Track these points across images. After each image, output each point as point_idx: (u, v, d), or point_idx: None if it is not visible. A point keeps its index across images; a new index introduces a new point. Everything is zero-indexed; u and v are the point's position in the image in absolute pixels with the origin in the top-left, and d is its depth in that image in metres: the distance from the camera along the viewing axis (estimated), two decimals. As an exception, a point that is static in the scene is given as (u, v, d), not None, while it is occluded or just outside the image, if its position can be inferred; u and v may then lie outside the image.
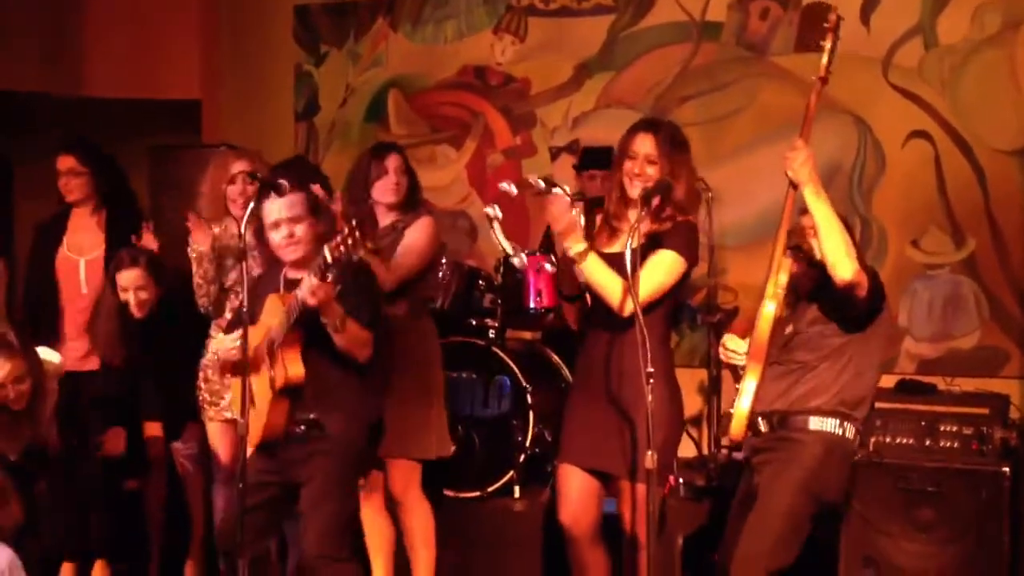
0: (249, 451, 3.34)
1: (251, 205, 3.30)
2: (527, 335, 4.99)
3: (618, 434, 3.30)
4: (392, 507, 3.91)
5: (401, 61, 5.94)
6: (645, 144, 3.31)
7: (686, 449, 4.79)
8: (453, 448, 3.95)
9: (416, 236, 3.87)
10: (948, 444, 4.09)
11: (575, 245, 3.17)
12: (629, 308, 3.11)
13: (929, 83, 4.89)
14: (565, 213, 3.19)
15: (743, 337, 3.39)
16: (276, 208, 3.36)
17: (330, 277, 3.12)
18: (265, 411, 3.34)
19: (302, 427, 3.35)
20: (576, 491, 3.40)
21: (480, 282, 4.56)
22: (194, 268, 4.07)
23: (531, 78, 5.67)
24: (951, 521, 3.99)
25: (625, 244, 3.01)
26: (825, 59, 3.18)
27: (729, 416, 3.22)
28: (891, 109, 4.94)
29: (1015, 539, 3.91)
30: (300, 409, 3.35)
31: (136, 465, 4.43)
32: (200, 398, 4.11)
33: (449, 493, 4.29)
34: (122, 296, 4.10)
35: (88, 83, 6.20)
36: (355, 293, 3.33)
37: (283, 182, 3.32)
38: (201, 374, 4.10)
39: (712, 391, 4.87)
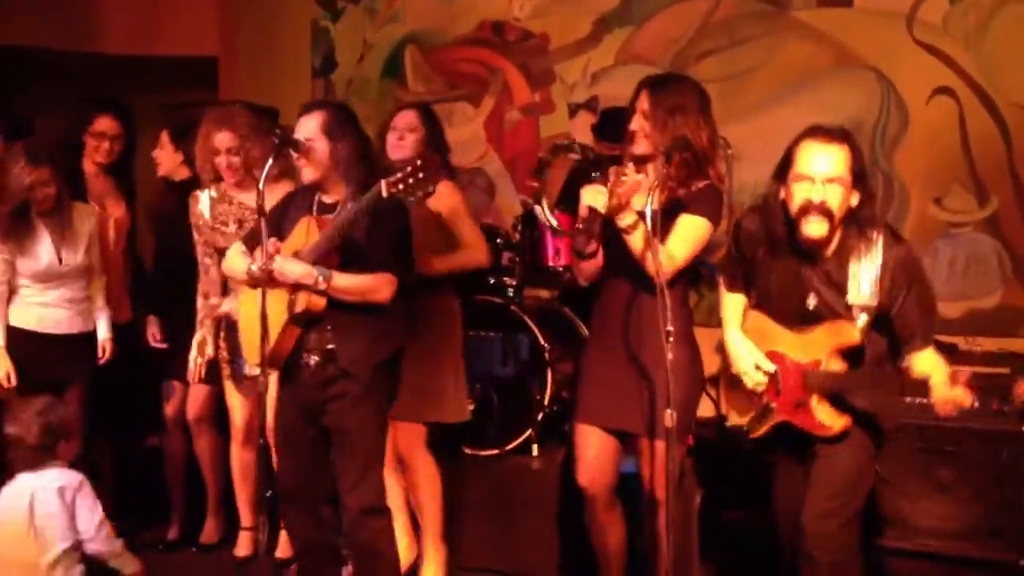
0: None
1: (268, 163, 3.27)
2: (545, 293, 4.96)
3: (637, 393, 3.30)
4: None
5: (418, 16, 5.91)
6: (643, 100, 3.31)
7: (705, 409, 4.83)
8: (470, 414, 3.94)
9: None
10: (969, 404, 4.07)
11: (624, 219, 3.16)
12: (665, 277, 3.03)
13: (954, 38, 4.82)
14: (601, 200, 3.14)
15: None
16: (304, 128, 3.32)
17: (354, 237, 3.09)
18: (275, 334, 3.27)
19: (316, 358, 3.31)
20: (594, 451, 3.40)
21: (498, 240, 4.53)
22: (195, 236, 4.11)
23: (549, 33, 5.63)
24: (971, 481, 3.98)
25: (644, 204, 2.99)
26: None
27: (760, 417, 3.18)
28: (915, 65, 4.87)
29: None
30: (317, 339, 3.31)
31: (155, 423, 4.50)
32: (218, 356, 4.11)
33: (468, 451, 4.30)
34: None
35: (102, 39, 6.18)
36: (384, 235, 3.27)
37: (300, 139, 3.30)
38: (221, 332, 4.10)
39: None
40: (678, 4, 5.33)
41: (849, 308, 3.02)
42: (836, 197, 2.95)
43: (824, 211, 2.95)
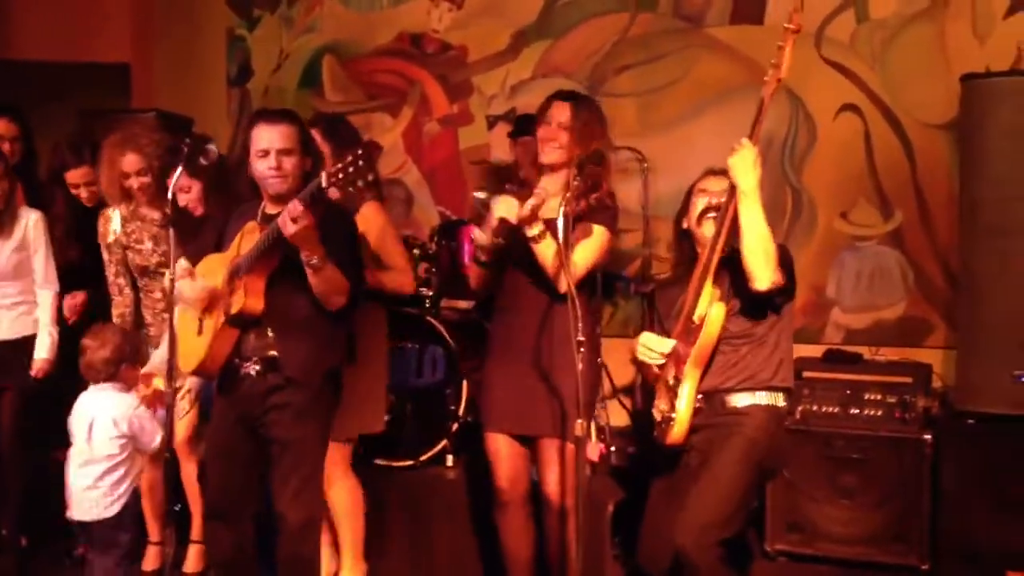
0: (189, 380, 3.35)
1: (177, 172, 3.24)
2: (463, 304, 4.98)
3: (541, 397, 3.36)
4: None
5: (336, 27, 5.88)
6: (561, 112, 3.39)
7: (618, 418, 4.87)
8: (384, 425, 3.92)
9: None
10: (872, 412, 4.17)
11: (532, 229, 3.26)
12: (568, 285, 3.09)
13: (860, 57, 4.91)
14: (514, 211, 3.28)
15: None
16: (267, 137, 3.22)
17: (314, 210, 3.01)
18: (209, 338, 3.22)
19: (256, 367, 3.23)
20: (507, 457, 3.47)
21: (415, 251, 4.52)
22: (105, 256, 4.06)
23: (468, 46, 5.64)
24: (875, 487, 4.09)
25: (556, 211, 3.03)
26: (785, 61, 3.10)
27: (668, 421, 3.22)
28: (823, 82, 4.94)
29: (935, 505, 3.99)
30: (256, 345, 3.24)
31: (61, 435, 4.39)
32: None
33: (381, 462, 4.27)
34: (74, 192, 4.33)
35: (14, 45, 6.04)
36: (337, 241, 3.20)
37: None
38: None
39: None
40: (596, 18, 5.35)
41: None
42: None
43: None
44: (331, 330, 3.25)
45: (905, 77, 4.84)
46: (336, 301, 3.18)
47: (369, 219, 3.71)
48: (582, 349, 2.96)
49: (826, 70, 4.96)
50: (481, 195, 4.13)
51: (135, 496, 3.64)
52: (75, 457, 3.62)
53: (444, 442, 4.30)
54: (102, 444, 3.58)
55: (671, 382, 3.21)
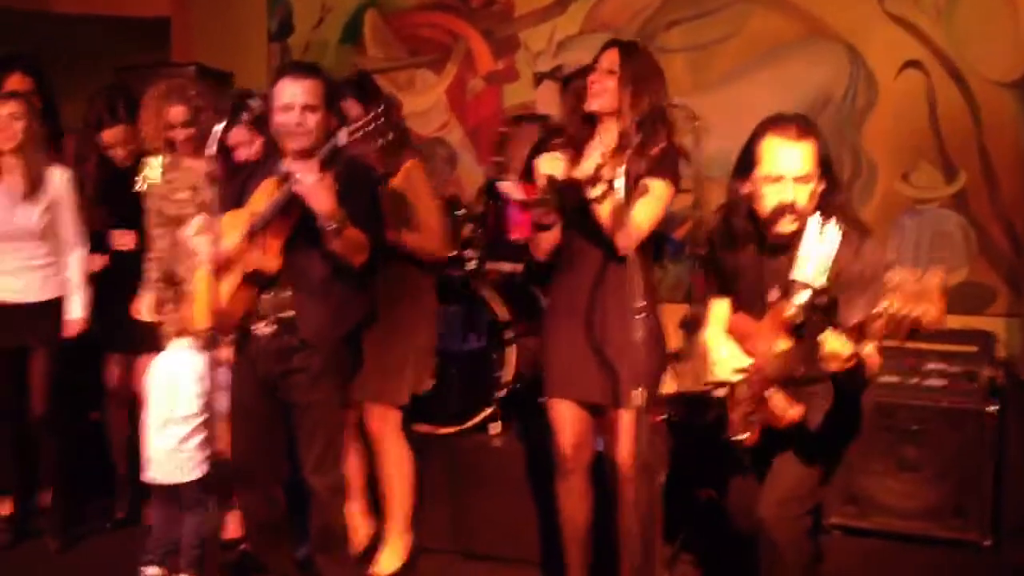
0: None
1: (218, 129, 3.14)
2: (508, 267, 4.87)
3: (604, 365, 3.27)
4: (367, 442, 3.83)
5: None
6: (609, 58, 3.27)
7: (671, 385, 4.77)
8: (431, 385, 3.86)
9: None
10: (935, 382, 4.04)
11: (595, 189, 3.11)
12: (632, 247, 2.97)
13: (924, 11, 4.77)
14: (560, 168, 3.16)
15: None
16: (291, 91, 3.14)
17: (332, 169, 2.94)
18: (227, 295, 3.15)
19: (272, 327, 3.19)
20: (572, 423, 3.38)
21: (460, 211, 4.43)
22: (145, 204, 4.00)
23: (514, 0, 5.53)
24: (936, 460, 3.96)
25: (614, 173, 2.94)
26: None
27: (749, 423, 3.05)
28: (885, 38, 4.82)
29: (998, 479, 3.89)
30: (272, 304, 3.19)
31: (97, 397, 4.36)
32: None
33: (426, 428, 4.19)
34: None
35: (52, -1, 5.98)
36: (358, 199, 3.12)
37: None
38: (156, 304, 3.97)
39: (695, 327, 4.77)
40: None
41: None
42: (806, 195, 2.87)
43: (796, 211, 2.87)
44: (350, 292, 3.20)
45: (971, 33, 4.70)
46: (358, 259, 3.13)
47: (408, 176, 3.63)
48: (642, 315, 2.85)
49: (888, 24, 4.84)
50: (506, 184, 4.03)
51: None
52: (154, 419, 3.58)
53: (490, 409, 4.20)
54: (187, 403, 3.55)
55: (754, 395, 3.02)
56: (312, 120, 3.14)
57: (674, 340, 4.79)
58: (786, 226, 2.88)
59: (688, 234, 4.94)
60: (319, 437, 3.22)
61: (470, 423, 4.22)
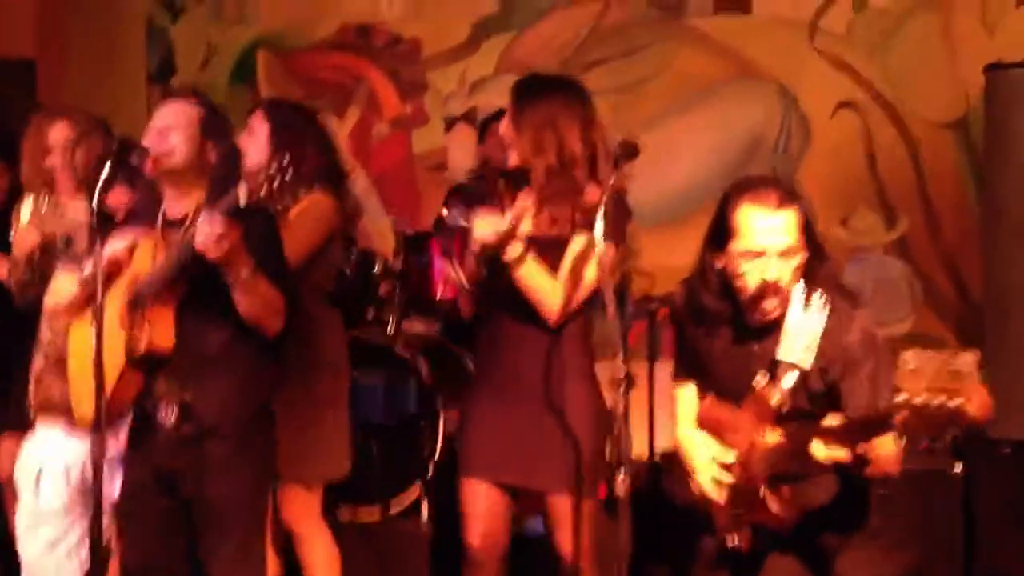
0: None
1: (106, 167, 2.74)
2: (420, 327, 4.54)
3: (555, 446, 2.95)
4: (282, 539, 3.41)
5: (271, 16, 5.60)
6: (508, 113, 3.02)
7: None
8: (347, 469, 3.46)
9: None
10: (893, 443, 3.88)
11: (512, 251, 2.85)
12: (561, 315, 2.86)
13: (858, 50, 4.82)
14: (494, 227, 2.86)
15: None
16: (159, 114, 2.87)
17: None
18: (112, 381, 2.77)
19: (173, 413, 2.79)
20: (488, 510, 3.05)
21: (375, 268, 4.13)
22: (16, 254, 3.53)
23: (421, 38, 5.38)
24: (899, 526, 3.69)
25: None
26: None
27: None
28: (818, 77, 4.87)
29: (969, 544, 3.77)
30: (168, 387, 2.79)
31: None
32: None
33: (347, 514, 3.84)
34: None
35: None
36: (263, 247, 2.74)
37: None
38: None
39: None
40: (564, 9, 5.26)
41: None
42: (790, 271, 2.56)
43: (780, 291, 2.55)
44: (256, 362, 2.84)
45: (908, 71, 4.78)
46: (272, 325, 2.77)
47: (306, 211, 3.21)
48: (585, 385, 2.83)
49: (820, 64, 4.89)
50: (453, 214, 3.65)
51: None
52: (22, 517, 3.21)
53: (417, 488, 3.86)
54: (56, 497, 3.15)
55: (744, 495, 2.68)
56: (177, 139, 2.79)
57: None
58: (770, 306, 2.56)
59: (617, 287, 4.72)
60: (230, 541, 2.81)
61: (397, 507, 3.86)
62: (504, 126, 3.00)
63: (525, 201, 2.91)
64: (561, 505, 2.99)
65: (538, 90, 3.03)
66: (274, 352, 2.90)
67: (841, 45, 4.78)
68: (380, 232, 5.09)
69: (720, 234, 2.61)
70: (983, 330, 3.98)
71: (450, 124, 5.28)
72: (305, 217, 3.21)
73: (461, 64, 5.29)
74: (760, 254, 2.53)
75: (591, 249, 2.85)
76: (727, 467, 2.66)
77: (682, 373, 2.86)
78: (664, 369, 4.53)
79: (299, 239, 3.18)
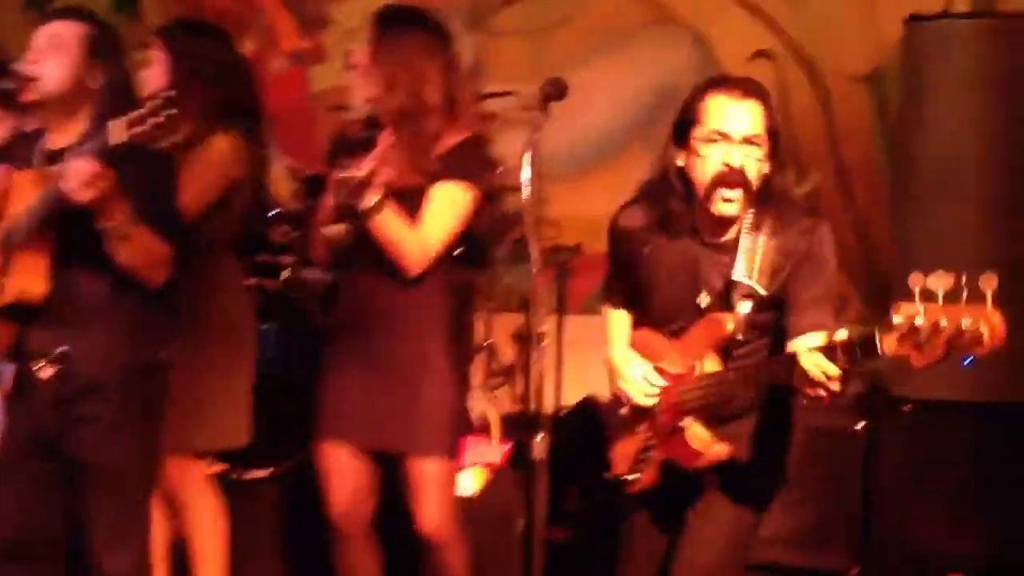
0: None
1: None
2: (318, 273, 4.35)
3: (410, 406, 2.85)
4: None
5: None
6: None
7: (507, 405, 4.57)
8: (248, 438, 3.24)
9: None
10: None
11: (365, 200, 2.72)
12: (420, 266, 2.78)
13: None
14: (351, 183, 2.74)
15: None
16: (38, 35, 2.63)
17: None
18: None
19: (46, 367, 2.60)
20: (350, 475, 2.93)
21: (271, 211, 3.91)
22: None
23: None
24: (798, 483, 3.51)
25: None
26: None
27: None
28: (734, 26, 4.80)
29: (867, 503, 3.81)
30: (42, 340, 2.61)
31: None
32: None
33: (234, 474, 3.66)
34: None
35: None
36: (145, 191, 2.54)
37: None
38: None
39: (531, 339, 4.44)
40: None
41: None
42: (754, 164, 2.42)
43: (742, 181, 2.40)
44: (140, 314, 2.66)
45: (825, 21, 4.71)
46: (154, 275, 2.59)
47: (215, 154, 2.98)
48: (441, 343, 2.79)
49: (737, 11, 4.77)
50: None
51: None
52: None
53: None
54: None
55: (663, 426, 2.58)
56: (53, 63, 2.58)
57: (508, 353, 4.56)
58: (726, 207, 2.42)
59: (523, 235, 4.60)
60: (114, 507, 2.64)
61: (291, 464, 3.70)
62: (360, 55, 2.87)
63: (383, 146, 2.74)
64: (414, 469, 2.88)
65: (397, 23, 2.89)
66: (162, 303, 2.70)
67: (758, -8, 4.73)
68: (274, 174, 4.93)
69: (683, 125, 2.48)
70: (891, 291, 3.95)
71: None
72: (204, 160, 2.97)
73: (366, -2, 5.15)
74: (724, 136, 2.41)
75: (451, 197, 2.79)
76: (654, 395, 2.56)
77: (614, 299, 2.76)
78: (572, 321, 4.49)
79: (196, 184, 2.95)
